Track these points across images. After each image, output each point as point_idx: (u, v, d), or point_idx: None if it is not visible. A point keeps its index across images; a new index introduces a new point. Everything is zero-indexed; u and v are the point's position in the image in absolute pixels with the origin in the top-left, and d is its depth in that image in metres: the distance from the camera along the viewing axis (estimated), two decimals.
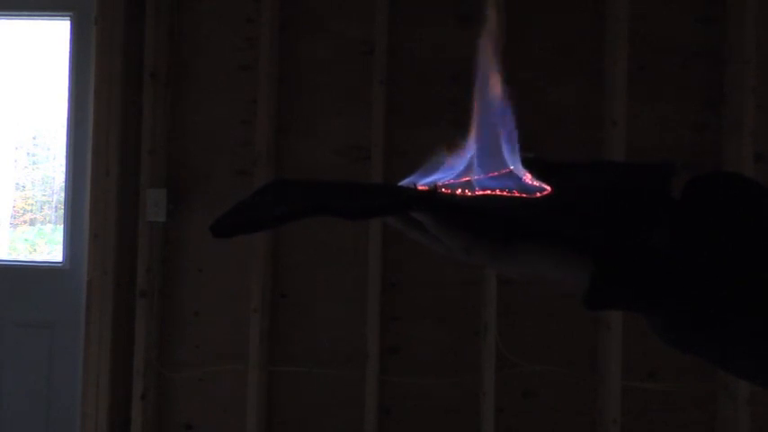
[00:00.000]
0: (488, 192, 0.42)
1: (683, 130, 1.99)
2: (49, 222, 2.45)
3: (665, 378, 1.96)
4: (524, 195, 0.42)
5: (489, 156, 0.43)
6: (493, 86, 0.44)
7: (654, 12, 2.00)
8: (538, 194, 0.42)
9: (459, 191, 0.43)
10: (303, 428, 2.06)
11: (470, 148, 0.44)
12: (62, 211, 2.22)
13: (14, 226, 2.43)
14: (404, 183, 0.45)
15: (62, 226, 2.22)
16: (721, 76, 1.99)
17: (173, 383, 2.09)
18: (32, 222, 2.46)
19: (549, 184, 0.43)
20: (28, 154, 2.47)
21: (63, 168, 2.22)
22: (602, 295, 0.37)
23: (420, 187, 0.44)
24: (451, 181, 0.44)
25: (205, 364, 2.07)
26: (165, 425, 2.09)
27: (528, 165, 0.44)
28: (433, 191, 0.43)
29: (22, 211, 2.45)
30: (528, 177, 0.43)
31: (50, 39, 2.31)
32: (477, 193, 0.42)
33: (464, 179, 0.43)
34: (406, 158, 2.01)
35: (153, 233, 2.05)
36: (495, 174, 0.43)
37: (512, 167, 0.43)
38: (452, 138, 0.44)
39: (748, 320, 0.34)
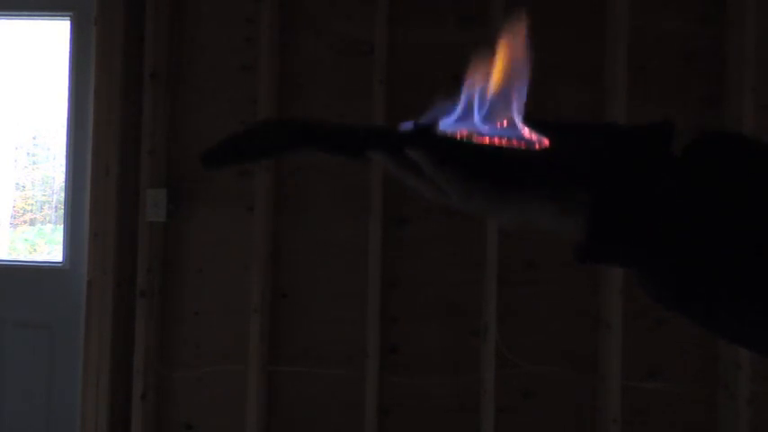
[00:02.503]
0: (487, 139, 0.42)
1: (683, 130, 1.99)
2: (49, 222, 2.45)
3: (665, 378, 1.96)
4: (523, 146, 0.41)
5: (493, 105, 0.43)
6: (518, 43, 0.43)
7: (654, 12, 2.00)
8: (537, 147, 0.42)
9: (458, 135, 0.42)
10: (303, 428, 2.06)
11: (475, 95, 0.43)
12: (62, 211, 2.22)
13: (14, 226, 2.43)
14: (403, 126, 0.45)
15: (62, 226, 2.22)
16: (721, 76, 1.99)
17: (173, 383, 2.08)
18: (32, 222, 2.46)
19: (548, 139, 0.42)
20: (28, 154, 2.47)
21: (63, 168, 2.22)
22: (596, 247, 0.37)
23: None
24: (452, 125, 0.43)
25: (205, 364, 2.07)
26: (165, 425, 2.09)
27: (528, 121, 0.43)
28: (433, 128, 0.43)
29: (22, 211, 2.45)
30: (527, 131, 0.42)
31: (50, 39, 2.31)
32: (476, 138, 0.42)
33: (464, 125, 0.43)
34: None
35: (153, 233, 2.05)
36: (496, 125, 0.43)
37: (512, 120, 0.42)
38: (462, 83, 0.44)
39: (747, 286, 0.33)
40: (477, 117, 0.43)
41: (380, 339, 2.00)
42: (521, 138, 0.42)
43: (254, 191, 2.03)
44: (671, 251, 0.35)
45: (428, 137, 0.42)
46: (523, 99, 0.42)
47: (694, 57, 2.00)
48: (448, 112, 0.44)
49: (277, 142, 0.41)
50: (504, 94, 0.42)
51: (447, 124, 0.43)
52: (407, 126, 0.44)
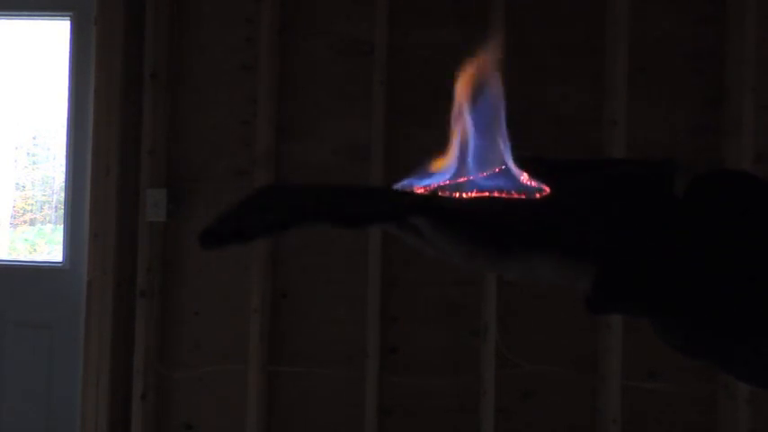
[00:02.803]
0: (486, 194, 0.41)
1: (683, 130, 1.99)
2: (49, 222, 2.45)
3: (665, 378, 1.96)
4: (523, 197, 0.41)
5: (483, 154, 0.42)
6: (489, 83, 0.43)
7: (654, 12, 2.00)
8: (537, 195, 0.41)
9: (456, 194, 0.42)
10: (303, 428, 2.06)
11: (463, 148, 0.43)
12: (62, 211, 2.22)
13: (14, 226, 2.43)
14: (399, 186, 0.44)
15: (62, 226, 2.22)
16: (721, 76, 1.99)
17: (173, 383, 2.09)
18: (32, 222, 2.46)
19: (547, 184, 0.42)
20: (28, 154, 2.47)
21: (63, 168, 2.22)
22: (606, 300, 0.37)
23: (417, 190, 0.43)
24: (447, 182, 0.43)
25: (205, 364, 2.07)
26: (165, 425, 2.09)
27: (525, 164, 0.43)
28: (431, 196, 0.42)
29: (22, 211, 2.45)
30: (525, 177, 0.42)
31: (50, 39, 2.31)
32: (473, 195, 0.41)
33: (459, 180, 0.42)
34: (407, 159, 2.01)
35: (153, 233, 2.05)
36: (490, 173, 0.42)
37: (506, 165, 0.42)
38: (449, 138, 0.44)
39: (760, 328, 0.33)
40: (471, 169, 0.42)
41: (380, 339, 2.00)
42: (519, 187, 0.41)
43: (253, 190, 2.03)
44: (682, 302, 0.35)
45: (429, 206, 0.41)
46: (507, 141, 0.42)
47: (694, 57, 2.00)
48: (440, 170, 0.43)
49: (276, 219, 0.41)
50: (488, 135, 0.42)
51: (443, 179, 0.43)
52: (404, 186, 0.43)
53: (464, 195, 0.41)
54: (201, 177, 2.09)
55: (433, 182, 0.43)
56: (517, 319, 2.00)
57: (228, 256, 2.07)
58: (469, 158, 0.42)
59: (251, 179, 2.04)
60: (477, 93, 0.43)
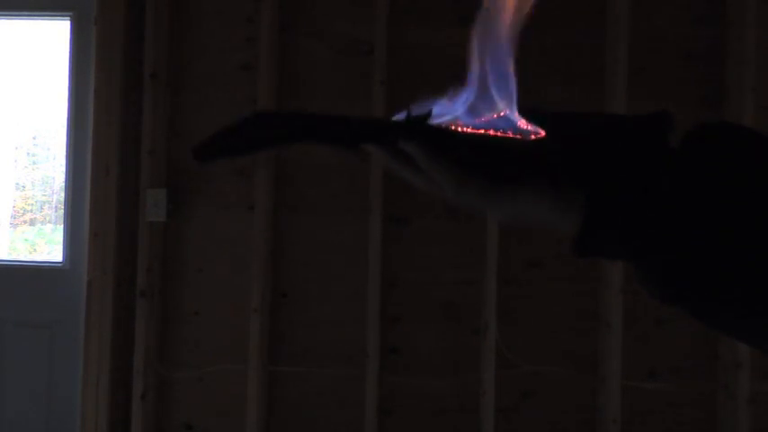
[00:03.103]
0: (482, 131, 0.41)
1: (683, 130, 1.99)
2: (49, 222, 2.45)
3: (665, 378, 1.96)
4: (518, 137, 0.41)
5: (485, 97, 0.42)
6: (500, 25, 0.43)
7: (654, 12, 2.00)
8: (532, 137, 0.41)
9: (452, 126, 0.42)
10: (303, 428, 2.06)
11: (466, 91, 0.42)
12: (62, 211, 2.22)
13: (14, 226, 2.43)
14: (398, 116, 0.44)
15: (62, 226, 2.22)
16: (721, 76, 1.99)
17: (173, 383, 2.08)
18: (32, 222, 2.46)
19: (543, 129, 0.41)
20: (28, 154, 2.47)
21: (63, 168, 2.22)
22: (594, 240, 0.36)
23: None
24: (446, 118, 0.43)
25: (205, 364, 2.07)
26: (165, 425, 2.09)
27: (524, 112, 0.42)
28: (426, 119, 0.42)
29: (22, 211, 2.45)
30: (523, 122, 0.42)
31: (50, 39, 2.31)
32: (469, 130, 0.41)
33: (458, 121, 0.42)
34: None
35: (153, 233, 2.05)
36: (490, 117, 0.42)
37: (506, 111, 0.42)
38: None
39: (749, 280, 0.33)
40: (471, 106, 0.42)
41: (380, 339, 2.00)
42: (515, 128, 0.41)
43: (254, 191, 2.03)
44: (669, 246, 0.35)
45: (420, 128, 0.41)
46: (513, 87, 0.42)
47: (694, 57, 2.00)
48: (443, 103, 0.43)
49: (270, 134, 0.41)
50: (490, 86, 0.42)
51: (441, 115, 0.43)
52: (401, 116, 0.43)
53: (460, 129, 0.41)
54: (201, 177, 2.09)
55: (432, 113, 0.43)
56: (517, 319, 2.00)
57: (228, 256, 2.07)
58: (470, 100, 0.42)
59: (251, 179, 2.04)
60: (487, 34, 0.43)
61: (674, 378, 1.95)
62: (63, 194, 2.22)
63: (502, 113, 0.42)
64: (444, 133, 0.41)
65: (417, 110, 0.43)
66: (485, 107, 0.42)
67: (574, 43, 2.02)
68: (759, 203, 0.34)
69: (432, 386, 2.02)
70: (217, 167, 2.08)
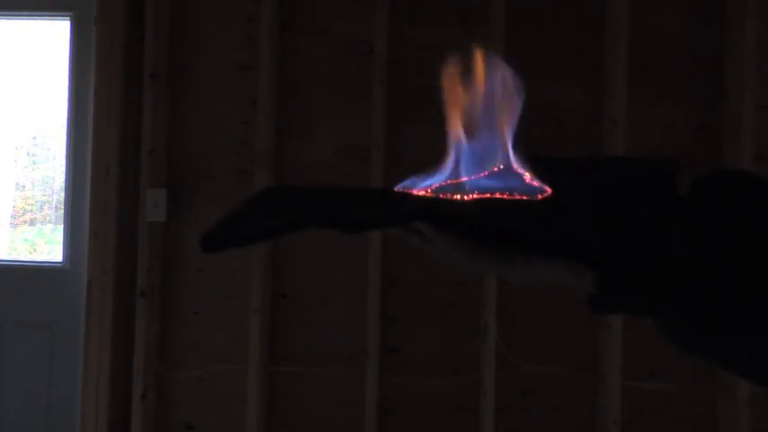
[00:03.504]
0: (488, 195, 0.40)
1: (683, 129, 1.99)
2: (49, 222, 2.45)
3: (665, 378, 1.96)
4: (525, 198, 0.40)
5: (483, 152, 0.42)
6: (502, 80, 0.43)
7: (654, 12, 2.00)
8: (539, 196, 0.41)
9: (458, 196, 0.41)
10: (303, 428, 2.06)
11: (466, 144, 0.43)
12: (62, 211, 2.22)
13: (14, 226, 2.43)
14: (399, 187, 0.44)
15: (62, 226, 2.22)
16: (721, 76, 1.99)
17: (173, 383, 2.08)
18: (32, 222, 2.46)
19: (549, 184, 0.41)
20: (28, 154, 2.47)
21: (63, 168, 2.22)
22: (609, 301, 0.36)
23: (417, 192, 0.42)
24: (449, 182, 0.42)
25: (205, 364, 2.07)
26: (165, 425, 2.09)
27: (527, 162, 0.42)
28: (433, 200, 0.41)
29: (22, 211, 2.45)
30: (528, 176, 0.42)
31: (50, 39, 2.31)
32: (476, 196, 0.41)
33: (460, 180, 0.42)
34: (407, 159, 2.01)
35: (153, 233, 2.05)
36: (492, 171, 0.42)
37: (509, 163, 0.41)
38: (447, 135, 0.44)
39: (759, 327, 0.33)
40: (472, 167, 0.41)
41: (380, 339, 2.00)
42: (522, 188, 0.41)
43: (253, 191, 2.03)
44: (684, 301, 0.35)
45: (431, 211, 0.40)
46: (512, 138, 0.42)
47: (694, 57, 2.00)
48: (440, 170, 0.43)
49: (276, 225, 0.40)
50: (489, 139, 0.42)
51: (444, 178, 0.42)
52: (406, 186, 0.43)
53: (465, 197, 0.41)
54: (201, 177, 2.09)
55: (434, 182, 0.43)
56: (517, 319, 2.00)
57: (228, 256, 2.07)
58: (468, 157, 0.42)
59: (251, 179, 2.04)
60: (477, 91, 0.42)
61: (674, 378, 1.95)
62: (63, 194, 2.22)
63: (504, 166, 0.41)
64: (453, 211, 0.40)
65: (421, 181, 0.43)
66: (485, 159, 0.42)
67: (574, 43, 2.02)
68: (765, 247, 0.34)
69: (432, 386, 2.02)
70: (218, 165, 2.09)
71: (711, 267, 0.35)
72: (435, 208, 0.40)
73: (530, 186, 0.41)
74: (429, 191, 0.42)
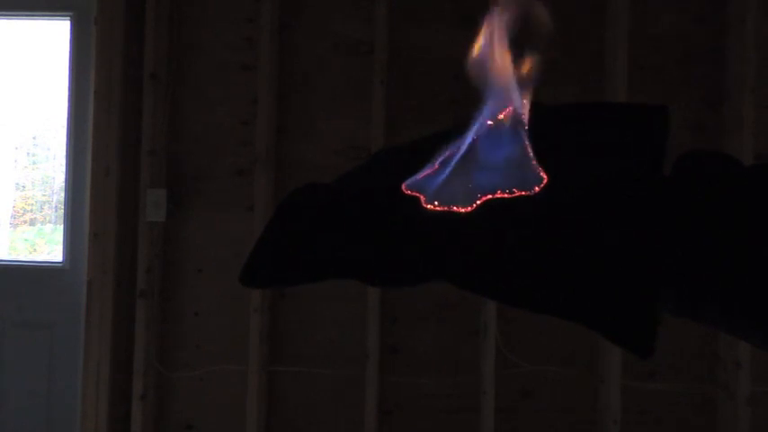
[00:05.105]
0: (489, 196, 0.41)
1: (683, 130, 1.99)
2: (49, 222, 2.45)
3: (665, 378, 1.96)
4: (524, 193, 0.41)
5: (497, 95, 0.42)
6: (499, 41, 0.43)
7: (654, 12, 2.00)
8: (536, 189, 0.41)
9: (465, 209, 0.41)
10: (303, 428, 2.06)
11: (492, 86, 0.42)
12: (62, 211, 2.22)
13: (14, 226, 2.43)
14: (409, 182, 0.44)
15: (62, 226, 2.22)
16: (721, 76, 1.99)
17: (173, 383, 2.09)
18: (32, 222, 2.46)
19: (544, 168, 0.42)
20: (28, 154, 2.47)
21: (63, 168, 2.22)
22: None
23: (426, 203, 0.42)
24: (452, 181, 0.42)
25: (205, 364, 2.07)
26: (164, 425, 2.09)
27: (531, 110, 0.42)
28: (441, 252, 0.41)
29: (22, 211, 2.45)
30: (532, 166, 0.42)
31: (50, 39, 2.31)
32: (480, 201, 0.41)
33: (466, 177, 0.42)
34: None
35: (153, 233, 2.05)
36: (498, 121, 0.42)
37: (513, 104, 0.42)
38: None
39: (747, 296, 0.34)
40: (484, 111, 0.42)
41: (380, 339, 2.00)
42: (520, 179, 0.41)
43: (254, 191, 2.03)
44: (673, 268, 0.36)
45: (446, 273, 0.40)
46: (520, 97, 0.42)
47: (694, 57, 2.00)
48: (443, 167, 0.43)
49: (311, 276, 0.42)
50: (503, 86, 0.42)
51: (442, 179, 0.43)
52: (414, 184, 0.43)
53: (474, 205, 0.41)
54: (201, 177, 2.09)
55: (440, 179, 0.43)
56: (517, 319, 2.00)
57: (228, 256, 2.07)
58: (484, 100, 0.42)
59: (251, 179, 2.04)
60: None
61: (674, 378, 1.96)
62: (63, 194, 2.22)
63: (509, 116, 0.42)
64: (465, 275, 0.40)
65: (429, 183, 0.43)
66: (497, 104, 0.42)
67: (574, 43, 2.02)
68: (744, 222, 0.35)
69: (432, 386, 2.02)
70: (218, 165, 2.09)
71: (699, 236, 0.36)
72: (451, 270, 0.40)
73: (527, 177, 0.41)
74: (437, 204, 0.42)
